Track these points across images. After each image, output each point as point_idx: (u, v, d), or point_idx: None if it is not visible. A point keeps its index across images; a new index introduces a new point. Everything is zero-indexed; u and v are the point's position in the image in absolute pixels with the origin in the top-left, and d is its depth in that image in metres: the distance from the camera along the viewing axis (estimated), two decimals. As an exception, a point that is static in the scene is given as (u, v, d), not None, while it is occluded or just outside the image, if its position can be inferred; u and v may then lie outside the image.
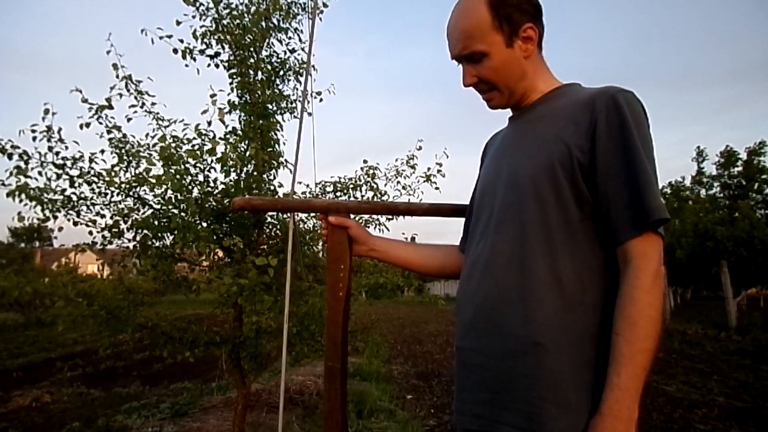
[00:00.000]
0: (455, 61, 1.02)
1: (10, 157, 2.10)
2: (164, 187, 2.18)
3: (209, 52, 2.64)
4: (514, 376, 0.86)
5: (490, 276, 0.93)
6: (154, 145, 2.24)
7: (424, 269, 1.26)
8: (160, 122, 2.40)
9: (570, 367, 0.83)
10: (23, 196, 2.09)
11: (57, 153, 2.19)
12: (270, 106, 2.64)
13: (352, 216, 1.26)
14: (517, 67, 0.98)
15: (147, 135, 2.35)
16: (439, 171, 2.77)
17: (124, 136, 2.38)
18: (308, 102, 2.91)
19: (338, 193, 2.79)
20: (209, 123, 2.36)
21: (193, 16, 2.56)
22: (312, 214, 2.79)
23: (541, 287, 0.86)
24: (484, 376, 0.91)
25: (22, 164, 2.12)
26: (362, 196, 2.81)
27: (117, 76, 2.31)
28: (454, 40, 0.99)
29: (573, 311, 0.85)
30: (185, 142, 2.35)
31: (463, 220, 1.21)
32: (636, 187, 0.83)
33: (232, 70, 2.65)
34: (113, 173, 2.26)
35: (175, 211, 2.30)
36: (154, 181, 2.13)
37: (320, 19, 2.76)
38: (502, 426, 0.87)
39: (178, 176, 2.18)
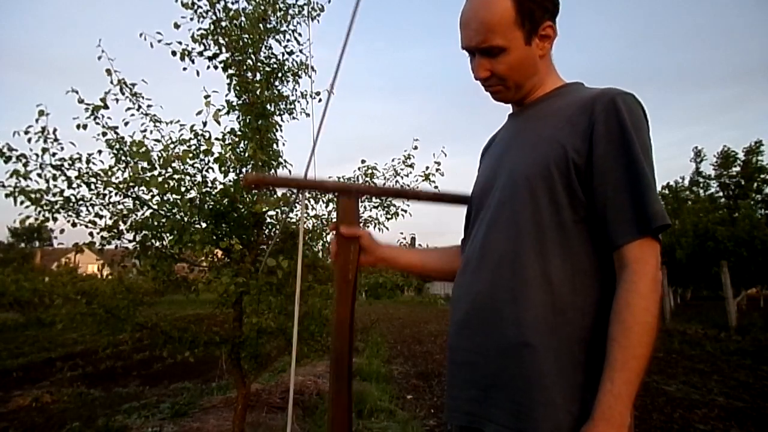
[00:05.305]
0: (467, 51, 0.99)
1: (7, 160, 2.10)
2: (155, 190, 2.18)
3: (207, 53, 2.64)
4: (504, 376, 0.86)
5: (481, 275, 0.93)
6: (137, 150, 2.24)
7: (432, 273, 1.26)
8: (156, 124, 2.41)
9: (558, 369, 0.83)
10: (22, 197, 2.09)
11: (54, 154, 2.19)
12: (269, 107, 2.65)
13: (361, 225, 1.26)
14: (531, 65, 0.96)
15: (144, 137, 2.35)
16: (437, 170, 2.79)
17: (122, 138, 2.38)
18: (308, 102, 2.92)
19: (337, 193, 2.79)
20: (205, 123, 2.36)
21: (191, 19, 2.57)
22: (312, 217, 2.80)
23: (531, 288, 0.86)
24: (474, 374, 0.91)
25: (20, 167, 2.12)
26: (361, 195, 2.82)
27: (111, 82, 2.32)
28: (472, 31, 0.95)
29: (563, 313, 0.84)
30: (181, 143, 2.35)
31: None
32: (636, 191, 0.82)
33: (230, 71, 2.65)
34: (110, 173, 2.26)
35: (174, 211, 2.30)
36: (147, 181, 2.14)
37: (318, 21, 2.78)
38: (489, 423, 0.87)
39: (169, 179, 2.19)
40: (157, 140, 2.39)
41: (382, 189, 1.34)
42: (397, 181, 2.85)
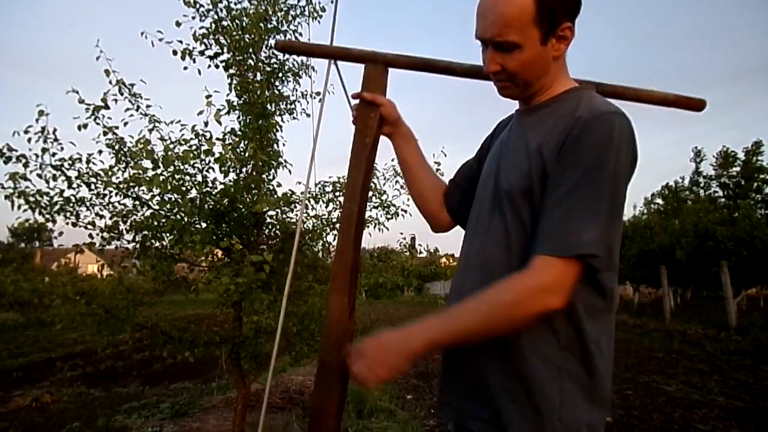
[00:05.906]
0: (480, 41, 0.96)
1: (7, 161, 2.10)
2: (157, 189, 2.18)
3: (209, 53, 2.64)
4: (492, 376, 0.89)
5: (477, 277, 0.95)
6: (141, 149, 2.24)
7: (411, 183, 1.29)
8: (156, 124, 2.40)
9: (543, 374, 0.85)
10: (21, 200, 2.09)
11: (53, 154, 2.19)
12: (269, 107, 2.65)
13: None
14: (543, 65, 0.94)
15: (144, 137, 2.35)
16: (437, 170, 2.78)
17: (122, 139, 2.38)
18: (308, 102, 2.92)
19: (337, 193, 2.80)
20: (206, 123, 2.36)
21: (193, 17, 2.57)
22: (312, 217, 2.80)
23: None
24: (466, 373, 0.94)
25: (20, 168, 2.11)
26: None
27: (110, 82, 2.32)
28: (488, 22, 0.92)
29: (547, 321, 0.86)
30: (182, 143, 2.35)
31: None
32: (571, 214, 0.82)
33: (231, 71, 2.65)
34: (110, 173, 2.26)
35: (174, 211, 2.30)
36: (149, 180, 2.13)
37: (319, 21, 2.79)
38: (474, 421, 0.91)
39: (171, 179, 2.19)
40: (162, 138, 2.39)
41: (411, 59, 1.23)
42: (396, 181, 2.85)
